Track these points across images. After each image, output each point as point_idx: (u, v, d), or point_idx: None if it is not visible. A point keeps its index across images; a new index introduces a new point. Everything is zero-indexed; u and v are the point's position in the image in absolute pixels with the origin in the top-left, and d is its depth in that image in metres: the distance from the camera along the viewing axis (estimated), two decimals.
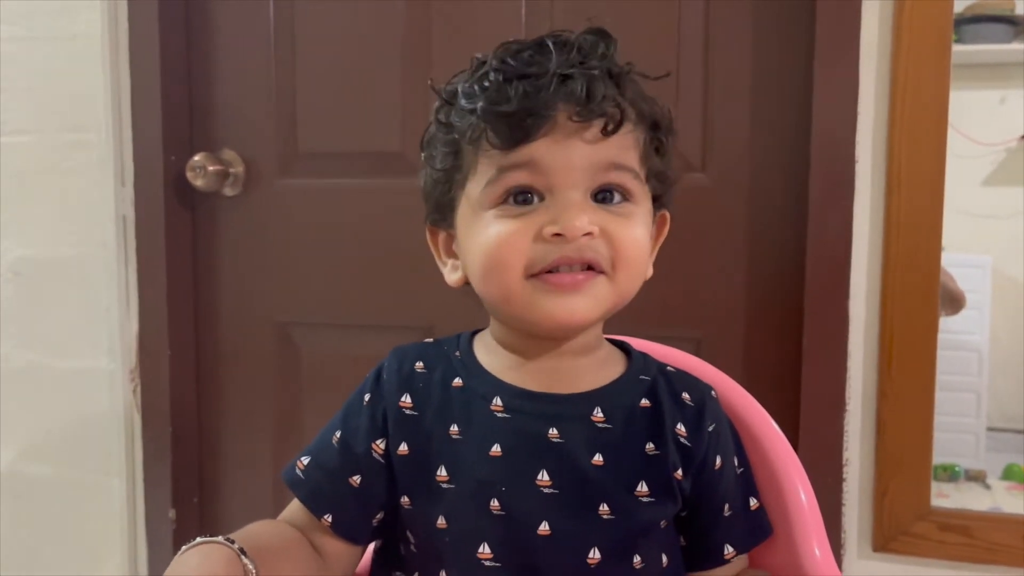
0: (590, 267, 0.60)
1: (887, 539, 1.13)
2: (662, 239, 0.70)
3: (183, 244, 1.40)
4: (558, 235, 0.58)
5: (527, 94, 0.58)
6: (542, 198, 0.60)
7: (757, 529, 0.69)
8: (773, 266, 1.18)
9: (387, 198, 1.31)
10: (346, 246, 1.35)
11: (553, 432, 0.62)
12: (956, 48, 1.10)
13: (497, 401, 0.63)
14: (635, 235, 0.61)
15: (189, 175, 1.34)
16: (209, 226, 1.41)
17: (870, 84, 1.10)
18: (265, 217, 1.38)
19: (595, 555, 0.61)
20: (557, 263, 0.59)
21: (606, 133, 0.59)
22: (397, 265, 1.31)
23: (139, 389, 1.40)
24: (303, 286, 1.38)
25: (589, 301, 0.60)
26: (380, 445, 0.65)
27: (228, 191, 1.39)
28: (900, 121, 1.09)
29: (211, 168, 1.34)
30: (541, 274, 0.59)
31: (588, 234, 0.58)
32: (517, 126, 0.58)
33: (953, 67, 1.08)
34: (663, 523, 0.65)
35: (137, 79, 1.36)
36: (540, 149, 0.59)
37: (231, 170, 1.37)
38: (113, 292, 1.39)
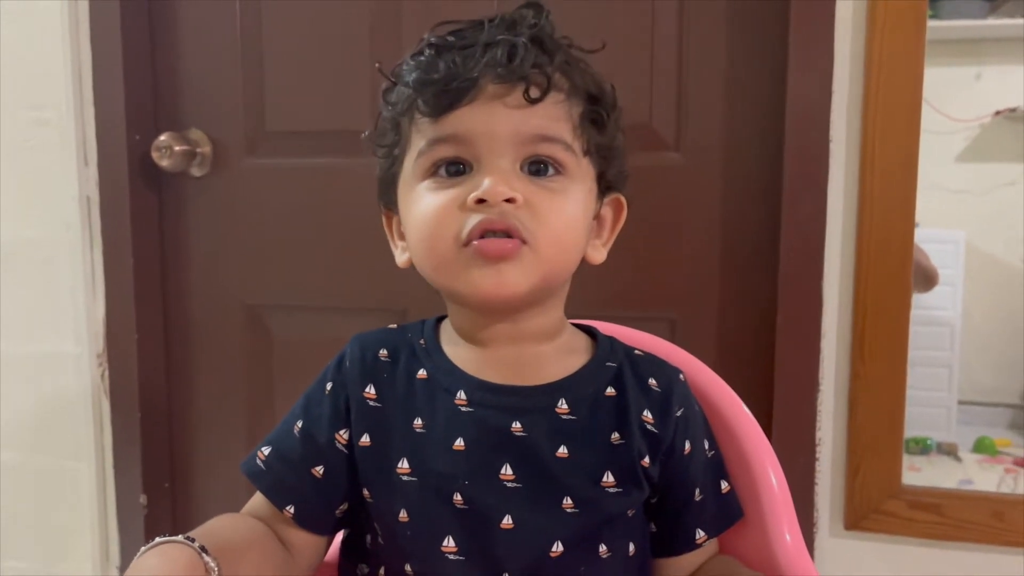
0: (512, 236, 0.58)
1: (858, 517, 1.14)
2: (620, 225, 0.69)
3: (149, 225, 1.37)
4: (481, 201, 0.58)
5: (455, 63, 0.59)
6: (472, 168, 0.60)
7: (728, 513, 0.69)
8: (747, 246, 1.18)
9: (358, 177, 1.27)
10: (317, 227, 1.33)
11: (516, 426, 0.62)
12: (931, 24, 1.09)
13: (461, 395, 0.63)
14: (562, 209, 0.60)
15: (155, 155, 1.31)
16: (176, 207, 1.38)
17: (845, 61, 1.10)
18: (233, 198, 1.36)
19: (558, 548, 0.61)
20: (480, 228, 0.58)
21: (529, 99, 0.59)
22: (369, 246, 1.29)
23: (107, 373, 1.37)
24: (273, 268, 1.35)
25: (517, 270, 0.59)
26: (343, 435, 0.64)
27: (195, 171, 1.36)
28: (875, 99, 1.09)
29: (177, 148, 1.31)
30: (470, 243, 0.58)
31: (510, 200, 0.58)
32: (442, 92, 0.59)
33: (928, 43, 1.08)
34: (630, 512, 0.64)
35: (98, 55, 1.32)
36: (465, 117, 0.59)
37: (198, 150, 1.34)
38: (78, 275, 1.36)
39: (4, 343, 1.41)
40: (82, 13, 1.32)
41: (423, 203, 0.60)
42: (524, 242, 0.59)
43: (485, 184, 0.58)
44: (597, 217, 0.66)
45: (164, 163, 1.31)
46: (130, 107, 1.32)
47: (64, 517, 1.41)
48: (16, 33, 1.34)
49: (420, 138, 0.61)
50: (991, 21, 1.79)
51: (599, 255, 0.67)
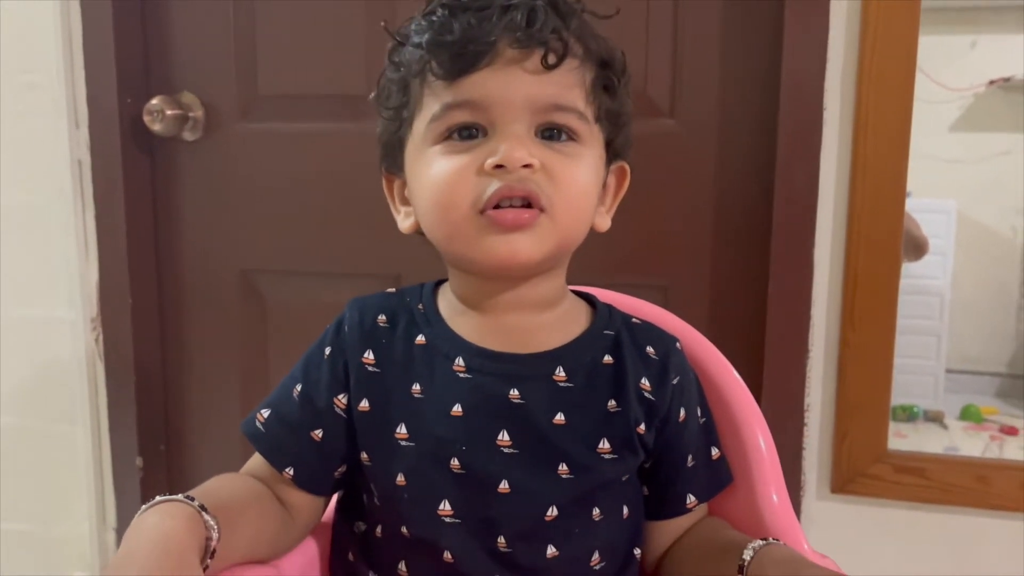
0: (530, 204, 0.58)
1: (845, 481, 1.16)
2: (622, 192, 0.69)
3: (142, 190, 1.37)
4: (499, 167, 0.57)
5: (470, 25, 0.58)
6: (485, 133, 0.59)
7: (718, 478, 0.70)
8: (740, 214, 1.18)
9: (352, 141, 1.28)
10: (311, 191, 1.33)
11: (514, 393, 0.62)
12: None
13: (459, 361, 0.63)
14: (577, 175, 0.60)
15: (147, 119, 1.30)
16: (169, 171, 1.38)
17: (840, 28, 1.09)
18: (227, 162, 1.35)
19: (553, 512, 0.62)
20: (499, 194, 0.58)
21: (547, 64, 0.58)
22: (363, 211, 1.29)
23: (101, 338, 1.38)
24: (267, 233, 1.35)
25: (532, 239, 0.59)
26: (342, 400, 0.64)
27: (188, 135, 1.35)
28: (869, 67, 1.09)
29: (169, 112, 1.30)
30: (486, 211, 0.58)
31: (528, 166, 0.58)
32: (459, 55, 0.58)
33: (923, 11, 1.07)
34: (624, 477, 0.65)
35: (88, 17, 1.30)
36: (481, 81, 0.58)
37: (190, 114, 1.33)
38: (71, 239, 1.35)
39: None
40: None
41: (436, 168, 0.60)
42: (542, 210, 0.59)
43: (503, 150, 0.57)
44: (604, 184, 0.66)
45: (156, 127, 1.30)
46: (121, 70, 1.31)
47: (61, 480, 1.43)
48: None
49: (434, 102, 0.60)
50: None
51: (604, 222, 0.67)
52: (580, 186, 0.61)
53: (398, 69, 0.63)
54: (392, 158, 0.65)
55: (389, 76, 0.64)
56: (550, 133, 0.60)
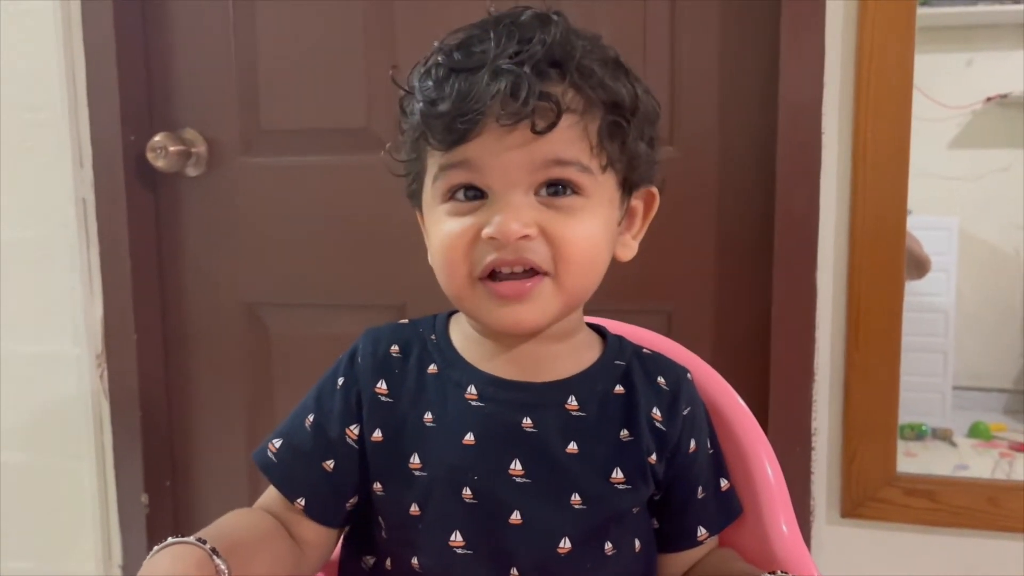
0: (532, 270, 0.58)
1: (855, 505, 1.15)
2: (650, 217, 0.68)
3: (146, 226, 1.38)
4: (494, 238, 0.57)
5: (460, 93, 0.56)
6: (487, 194, 0.59)
7: (728, 510, 0.70)
8: (742, 238, 1.18)
9: (353, 174, 1.29)
10: (313, 224, 1.33)
11: (527, 422, 0.62)
12: (922, 11, 1.09)
13: (472, 389, 0.63)
14: (580, 233, 0.59)
15: (150, 156, 1.31)
16: (172, 207, 1.38)
17: (836, 51, 1.10)
18: (229, 197, 1.36)
19: (566, 544, 0.61)
20: (494, 265, 0.58)
21: (537, 132, 0.56)
22: (366, 243, 1.30)
23: (106, 374, 1.38)
24: (270, 266, 1.36)
25: (535, 307, 0.59)
26: (354, 431, 0.64)
27: (191, 171, 1.36)
28: (866, 89, 1.09)
29: (172, 148, 1.31)
30: (485, 279, 0.58)
31: (525, 236, 0.57)
32: (450, 128, 0.57)
33: (919, 30, 1.08)
34: (635, 509, 0.65)
35: (92, 56, 1.32)
36: (475, 149, 0.57)
37: (193, 150, 1.34)
38: (76, 276, 1.36)
39: (3, 344, 1.41)
40: (75, 14, 1.31)
41: (441, 230, 0.60)
42: (546, 273, 0.58)
43: (496, 221, 0.57)
44: (627, 213, 0.65)
45: (159, 164, 1.31)
46: (124, 108, 1.32)
47: (66, 517, 1.42)
48: (9, 35, 1.33)
49: (434, 163, 0.60)
50: (982, 7, 1.80)
51: (628, 252, 0.66)
52: (585, 243, 0.59)
53: (407, 122, 0.63)
54: (418, 200, 0.66)
55: (402, 124, 0.64)
56: (553, 190, 0.59)
